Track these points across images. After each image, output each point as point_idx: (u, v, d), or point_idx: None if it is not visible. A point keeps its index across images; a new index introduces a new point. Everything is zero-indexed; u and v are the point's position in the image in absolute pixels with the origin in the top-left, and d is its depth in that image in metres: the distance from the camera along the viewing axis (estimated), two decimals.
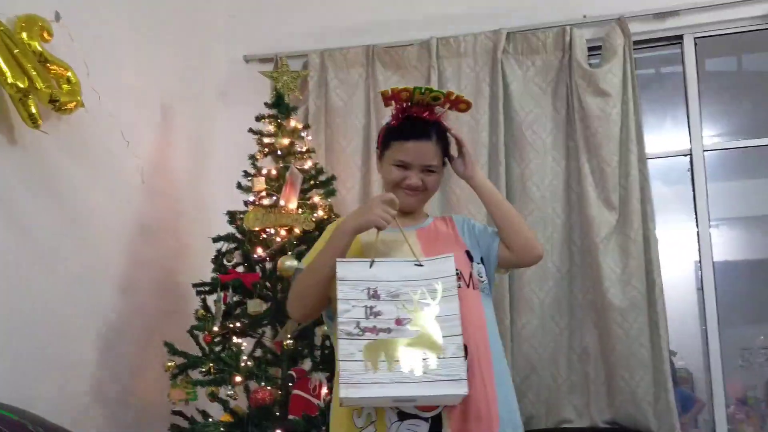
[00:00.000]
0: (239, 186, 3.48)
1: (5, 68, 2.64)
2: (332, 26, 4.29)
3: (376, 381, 1.85)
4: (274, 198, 3.34)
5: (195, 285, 3.37)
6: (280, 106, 3.55)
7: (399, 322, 1.93)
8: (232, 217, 3.43)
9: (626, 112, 3.82)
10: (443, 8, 4.18)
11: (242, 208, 3.42)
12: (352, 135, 4.09)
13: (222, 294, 3.26)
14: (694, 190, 3.91)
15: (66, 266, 3.07)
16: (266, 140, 3.49)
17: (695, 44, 3.99)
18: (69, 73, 2.95)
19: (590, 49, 3.95)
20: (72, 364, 3.06)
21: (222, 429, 3.09)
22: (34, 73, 2.75)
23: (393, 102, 2.23)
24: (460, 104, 2.25)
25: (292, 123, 3.54)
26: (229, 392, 3.09)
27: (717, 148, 4.21)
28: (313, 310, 2.19)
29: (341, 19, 4.30)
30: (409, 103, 2.22)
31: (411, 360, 1.88)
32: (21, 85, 2.67)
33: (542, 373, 3.76)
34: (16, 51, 2.72)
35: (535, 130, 3.91)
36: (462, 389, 1.87)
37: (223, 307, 3.23)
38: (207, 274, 3.39)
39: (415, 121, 2.22)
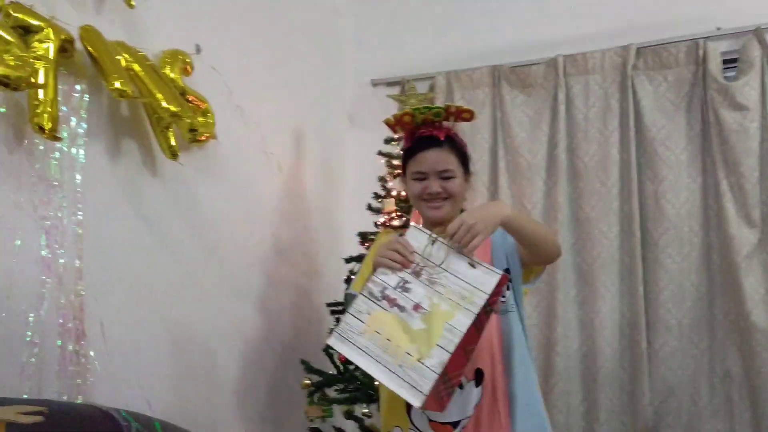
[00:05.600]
0: (369, 207, 3.54)
1: (159, 95, 2.76)
2: (458, 48, 4.32)
3: (361, 346, 1.86)
4: (404, 219, 3.38)
5: (329, 304, 3.45)
6: None
7: (416, 308, 1.90)
8: (363, 238, 3.49)
9: (766, 126, 3.66)
10: (570, 26, 4.13)
11: (373, 229, 3.48)
12: (480, 154, 4.09)
13: None
14: None
15: (210, 288, 3.21)
16: (395, 162, 3.55)
17: None
18: (205, 106, 3.10)
19: (725, 62, 3.81)
20: (217, 380, 3.19)
21: None
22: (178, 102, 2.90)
23: (399, 128, 2.30)
24: (463, 114, 2.27)
25: None
26: (364, 410, 3.14)
27: None
28: None
29: (466, 41, 4.33)
30: (416, 125, 2.25)
31: (398, 347, 1.85)
32: (173, 109, 2.77)
33: (681, 397, 3.63)
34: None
35: (669, 146, 3.81)
36: (416, 401, 1.80)
37: None
38: (340, 293, 3.47)
39: (425, 136, 2.25)
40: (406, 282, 1.91)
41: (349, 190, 4.28)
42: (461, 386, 2.10)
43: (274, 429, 3.52)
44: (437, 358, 1.82)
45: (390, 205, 3.45)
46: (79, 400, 2.48)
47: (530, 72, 4.11)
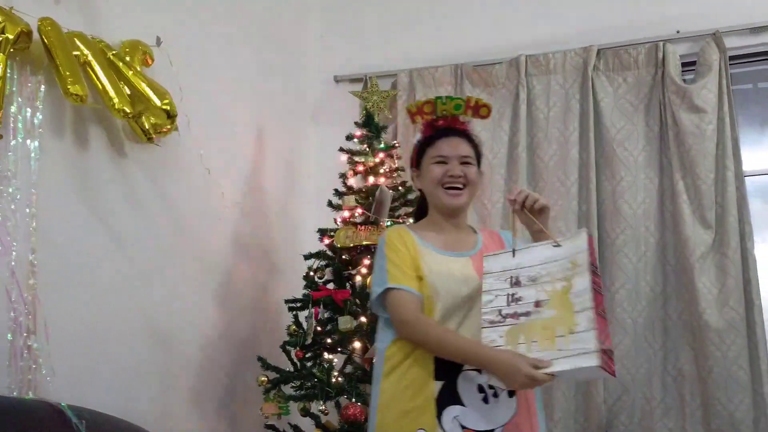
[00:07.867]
0: (330, 204, 3.53)
1: (113, 95, 2.74)
2: (421, 45, 4.34)
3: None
4: (364, 215, 3.37)
5: (287, 301, 3.43)
6: (370, 126, 3.59)
7: (538, 304, 2.00)
8: (323, 234, 3.48)
9: (722, 128, 3.72)
10: (532, 27, 4.17)
11: (333, 225, 3.47)
12: None
13: (313, 310, 3.30)
14: None
15: (166, 284, 3.17)
16: (357, 159, 3.54)
17: None
18: (167, 99, 3.06)
19: (684, 64, 3.87)
20: (172, 376, 3.16)
21: None
22: (150, 91, 2.89)
23: (419, 117, 2.37)
24: (481, 109, 2.38)
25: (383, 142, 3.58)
26: (320, 407, 3.14)
27: None
28: None
29: (430, 39, 4.35)
30: (435, 116, 2.34)
31: (547, 339, 1.93)
32: (127, 110, 2.76)
33: (635, 395, 3.68)
34: (130, 73, 2.85)
35: (627, 146, 3.86)
36: (592, 361, 1.86)
37: (314, 324, 3.27)
38: (299, 290, 3.45)
39: (445, 127, 2.34)
40: (514, 294, 2.01)
41: (310, 186, 4.26)
42: (496, 395, 2.11)
43: (230, 426, 3.50)
44: (584, 320, 1.91)
45: (350, 201, 3.44)
46: (30, 395, 2.44)
47: (492, 71, 4.13)
